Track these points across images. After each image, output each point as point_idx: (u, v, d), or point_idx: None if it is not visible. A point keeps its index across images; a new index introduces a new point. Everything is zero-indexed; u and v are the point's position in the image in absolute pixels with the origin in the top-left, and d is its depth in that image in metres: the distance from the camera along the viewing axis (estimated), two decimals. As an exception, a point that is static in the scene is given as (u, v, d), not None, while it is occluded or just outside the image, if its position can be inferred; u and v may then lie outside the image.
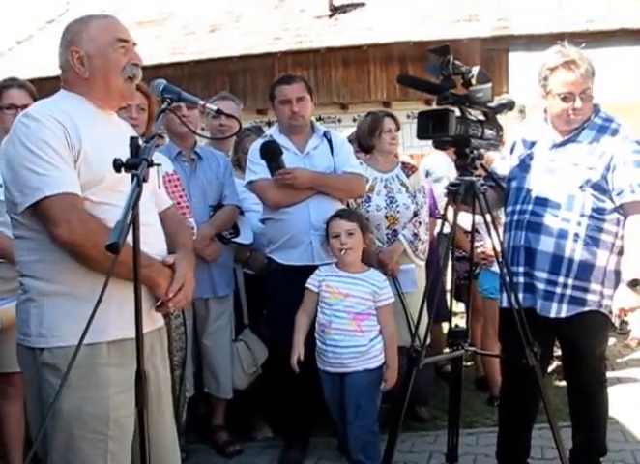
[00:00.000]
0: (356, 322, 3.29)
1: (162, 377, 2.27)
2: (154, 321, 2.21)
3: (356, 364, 3.27)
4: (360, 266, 3.39)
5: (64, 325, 2.00)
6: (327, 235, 3.40)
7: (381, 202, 4.03)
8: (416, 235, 4.04)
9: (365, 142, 4.17)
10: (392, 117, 4.18)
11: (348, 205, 3.91)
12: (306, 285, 3.42)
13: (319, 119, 10.31)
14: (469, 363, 4.86)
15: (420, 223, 4.07)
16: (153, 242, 2.14)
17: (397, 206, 4.04)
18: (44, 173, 1.96)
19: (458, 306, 5.14)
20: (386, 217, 4.02)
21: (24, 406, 3.34)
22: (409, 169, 4.18)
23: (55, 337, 2.02)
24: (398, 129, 4.17)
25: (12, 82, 3.33)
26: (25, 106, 3.20)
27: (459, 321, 4.87)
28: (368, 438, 3.28)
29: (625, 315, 3.07)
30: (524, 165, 3.10)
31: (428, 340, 3.97)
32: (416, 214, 4.09)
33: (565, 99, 2.92)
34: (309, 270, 3.56)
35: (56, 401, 1.92)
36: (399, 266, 3.97)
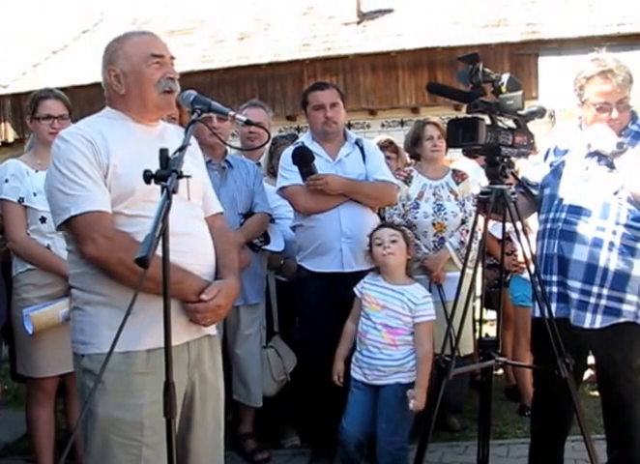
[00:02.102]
0: (390, 336, 3.23)
1: (210, 386, 2.28)
2: (197, 330, 2.22)
3: (389, 378, 3.22)
4: (403, 278, 3.30)
5: (102, 333, 2.08)
6: (370, 245, 3.36)
7: (429, 209, 4.02)
8: (462, 243, 3.99)
9: (410, 151, 4.21)
10: (435, 124, 4.14)
11: (379, 213, 3.90)
12: (354, 290, 3.39)
13: (348, 125, 10.32)
14: (499, 372, 4.81)
15: (467, 231, 4.02)
16: (193, 251, 2.16)
17: (445, 213, 4.02)
18: (72, 193, 2.07)
19: (488, 314, 5.08)
20: (433, 225, 4.00)
21: (55, 411, 3.43)
22: (459, 177, 4.17)
23: (94, 344, 2.10)
24: (443, 135, 4.08)
25: (48, 93, 3.41)
26: (61, 117, 3.30)
27: (489, 329, 4.83)
28: (400, 454, 3.22)
29: None
30: (557, 173, 3.05)
31: (471, 350, 3.95)
32: (464, 221, 4.06)
33: (600, 109, 2.87)
34: (339, 277, 3.57)
35: (92, 406, 2.01)
36: (445, 273, 3.94)
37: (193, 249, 2.16)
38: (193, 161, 2.32)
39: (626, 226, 2.85)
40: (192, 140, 2.38)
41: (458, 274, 3.92)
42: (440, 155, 4.16)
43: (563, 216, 2.96)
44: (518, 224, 2.85)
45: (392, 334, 3.22)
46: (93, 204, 2.07)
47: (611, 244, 2.86)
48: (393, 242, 3.28)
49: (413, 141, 4.19)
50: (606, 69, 2.84)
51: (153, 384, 2.06)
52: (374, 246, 3.33)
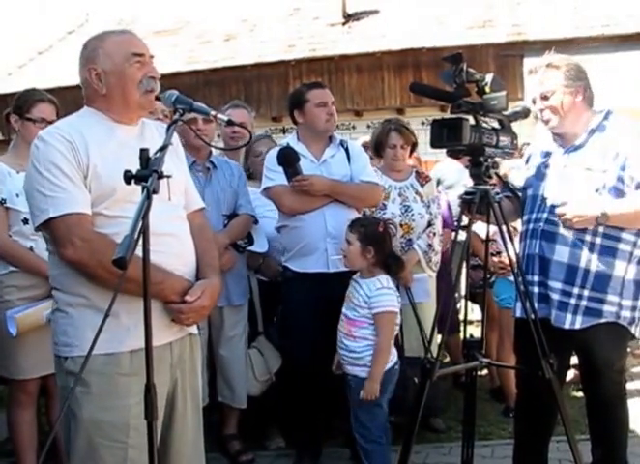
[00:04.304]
0: (348, 326, 3.31)
1: (190, 386, 2.29)
2: (180, 330, 2.22)
3: (349, 369, 3.31)
4: (369, 271, 3.33)
5: (85, 335, 2.06)
6: None
7: (396, 210, 4.01)
8: (430, 246, 4.01)
9: (374, 152, 4.18)
10: (400, 131, 4.06)
11: (364, 214, 3.90)
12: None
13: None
14: (484, 372, 4.81)
15: (434, 234, 4.04)
16: (174, 252, 2.16)
17: (412, 215, 4.01)
18: (51, 195, 2.05)
19: (473, 313, 5.09)
20: (400, 226, 3.99)
21: (37, 413, 3.40)
22: (423, 179, 4.16)
23: (77, 347, 2.09)
24: (408, 142, 4.08)
25: (43, 96, 3.35)
26: (52, 122, 3.24)
27: (474, 330, 4.84)
28: (370, 447, 3.26)
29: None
30: (539, 174, 3.07)
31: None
32: (430, 224, 4.06)
33: (533, 102, 3.00)
34: (324, 277, 3.57)
35: (75, 408, 2.01)
36: (413, 275, 3.94)
37: (174, 250, 2.16)
38: (174, 159, 2.31)
39: (607, 227, 2.86)
40: (174, 137, 2.37)
41: (425, 275, 4.00)
42: (399, 165, 4.13)
43: (544, 216, 2.97)
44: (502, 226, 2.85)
45: (350, 325, 3.30)
46: (72, 206, 2.05)
47: (592, 244, 2.87)
48: (348, 243, 3.32)
49: (376, 146, 4.17)
50: (533, 67, 2.99)
51: (138, 385, 2.04)
52: None
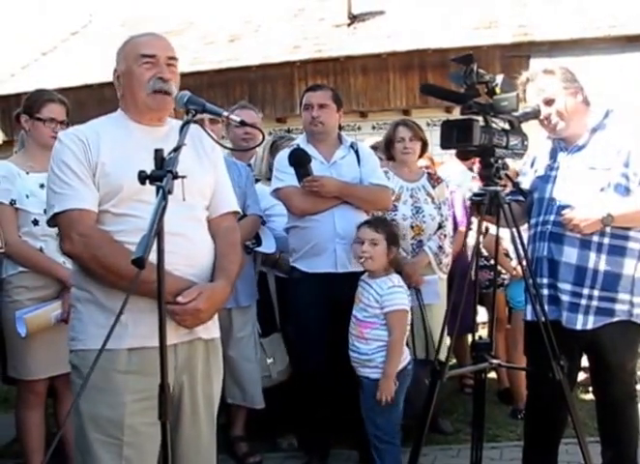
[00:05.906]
0: (359, 328, 3.32)
1: (202, 390, 2.26)
2: (188, 333, 2.20)
3: (360, 371, 3.32)
4: (382, 272, 3.34)
5: (88, 329, 2.12)
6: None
7: (407, 211, 4.00)
8: (441, 248, 4.00)
9: (385, 153, 4.17)
10: (408, 125, 4.09)
11: (373, 215, 3.90)
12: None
13: (339, 128, 10.28)
14: (492, 374, 4.80)
15: (445, 236, 4.03)
16: (181, 252, 2.14)
17: (423, 216, 4.00)
18: (60, 191, 2.13)
19: (478, 314, 5.08)
20: (411, 227, 3.99)
21: (45, 414, 3.40)
22: (435, 180, 4.15)
23: (80, 341, 2.14)
24: (416, 136, 4.08)
25: (53, 96, 3.35)
26: (62, 122, 3.25)
27: (480, 331, 4.83)
28: (383, 447, 3.27)
29: None
30: (544, 176, 3.07)
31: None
32: (441, 226, 4.05)
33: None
34: (332, 278, 3.57)
35: (76, 402, 2.01)
36: (423, 277, 3.93)
37: (181, 250, 2.14)
38: (202, 160, 2.33)
39: (614, 226, 2.85)
40: (207, 139, 2.38)
41: (436, 277, 4.01)
42: (411, 157, 4.11)
43: (551, 218, 2.97)
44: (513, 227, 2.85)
45: (361, 327, 3.31)
46: (76, 202, 2.11)
47: (599, 245, 2.87)
48: (374, 245, 3.30)
49: (386, 143, 4.16)
50: (528, 75, 3.04)
51: (135, 383, 2.08)
52: (355, 242, 3.39)
